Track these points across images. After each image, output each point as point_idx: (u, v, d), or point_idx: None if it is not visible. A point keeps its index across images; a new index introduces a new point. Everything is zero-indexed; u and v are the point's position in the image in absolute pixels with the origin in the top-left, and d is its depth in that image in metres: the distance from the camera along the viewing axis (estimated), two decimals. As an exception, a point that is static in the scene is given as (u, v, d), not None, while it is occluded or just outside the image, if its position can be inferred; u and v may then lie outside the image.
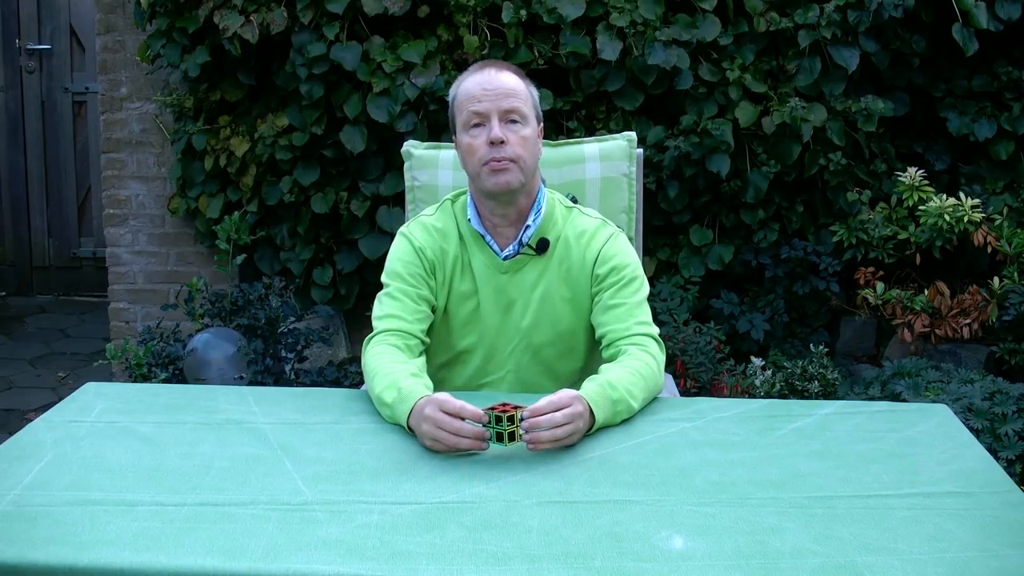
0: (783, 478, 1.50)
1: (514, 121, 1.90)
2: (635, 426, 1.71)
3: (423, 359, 1.93)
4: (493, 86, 1.90)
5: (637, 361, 1.82)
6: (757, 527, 1.34)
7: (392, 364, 1.80)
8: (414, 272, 1.98)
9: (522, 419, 1.56)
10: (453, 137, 1.99)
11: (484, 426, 1.56)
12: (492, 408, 1.55)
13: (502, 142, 1.88)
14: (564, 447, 1.59)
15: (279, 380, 3.43)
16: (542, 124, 1.98)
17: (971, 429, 2.68)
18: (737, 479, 1.50)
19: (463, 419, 1.55)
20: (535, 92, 1.97)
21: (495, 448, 1.57)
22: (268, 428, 1.70)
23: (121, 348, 3.42)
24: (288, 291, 3.82)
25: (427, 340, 1.97)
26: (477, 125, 1.90)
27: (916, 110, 3.87)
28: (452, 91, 1.97)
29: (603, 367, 1.83)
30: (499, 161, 1.88)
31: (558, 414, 1.56)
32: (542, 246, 1.98)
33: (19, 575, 1.25)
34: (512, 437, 1.54)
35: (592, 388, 1.68)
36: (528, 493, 1.44)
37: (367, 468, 1.54)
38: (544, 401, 1.57)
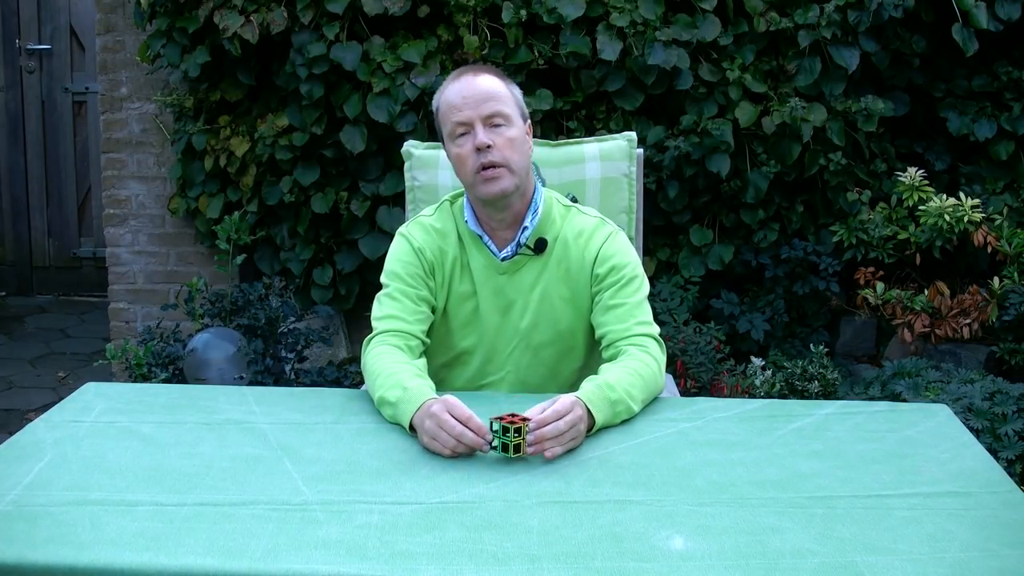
0: (783, 478, 1.50)
1: (498, 125, 1.89)
2: (635, 426, 1.71)
3: (424, 360, 1.93)
4: (472, 92, 1.89)
5: (636, 362, 1.82)
6: (757, 527, 1.34)
7: (396, 364, 1.80)
8: (413, 272, 1.97)
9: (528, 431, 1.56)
10: (443, 146, 1.99)
11: (492, 433, 1.56)
12: (500, 418, 1.55)
13: (489, 147, 1.87)
14: (568, 450, 1.59)
15: (279, 380, 3.43)
16: (529, 122, 1.98)
17: (971, 429, 2.68)
18: (737, 479, 1.50)
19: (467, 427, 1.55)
20: (517, 91, 1.97)
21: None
22: (268, 428, 1.70)
23: (121, 348, 3.42)
24: (288, 291, 3.82)
25: (427, 340, 1.97)
26: (463, 134, 1.90)
27: (916, 110, 3.87)
28: (435, 103, 1.97)
29: (603, 367, 1.83)
30: (489, 168, 1.88)
31: (561, 422, 1.56)
32: (540, 246, 1.98)
33: (19, 575, 1.25)
34: (517, 449, 1.54)
35: (590, 389, 1.68)
36: (528, 493, 1.44)
37: (367, 468, 1.54)
38: (549, 412, 1.57)
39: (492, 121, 1.89)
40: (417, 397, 1.65)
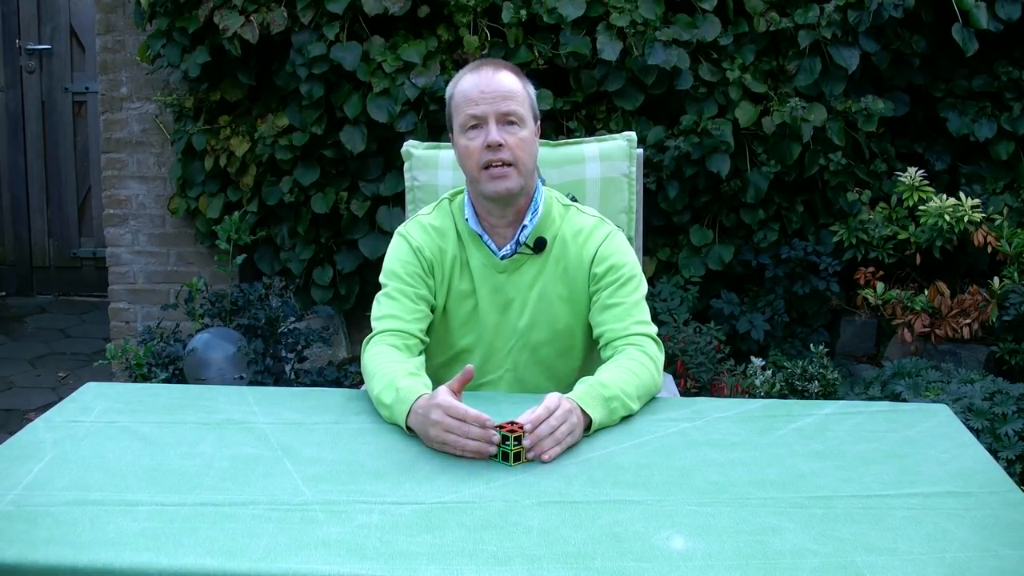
0: (783, 478, 1.50)
1: (512, 123, 1.88)
2: (635, 426, 1.71)
3: (422, 358, 1.93)
4: (490, 88, 1.88)
5: (631, 360, 1.82)
6: (757, 527, 1.34)
7: (390, 364, 1.80)
8: (412, 272, 1.97)
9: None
10: (450, 136, 1.99)
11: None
12: (500, 427, 1.54)
13: (500, 145, 1.87)
14: (567, 447, 1.59)
15: (279, 380, 3.43)
16: (539, 122, 1.98)
17: (971, 429, 2.67)
18: (737, 479, 1.50)
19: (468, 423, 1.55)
20: (532, 91, 1.96)
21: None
22: (268, 428, 1.70)
23: (121, 348, 3.42)
24: (288, 291, 3.82)
25: (426, 339, 1.97)
26: (474, 127, 1.89)
27: (916, 110, 3.87)
28: (449, 90, 1.96)
29: (599, 368, 1.83)
30: (498, 166, 1.88)
31: (552, 418, 1.56)
32: (539, 245, 1.98)
33: (19, 575, 1.25)
34: (517, 458, 1.53)
35: (582, 389, 1.68)
36: (528, 493, 1.44)
37: (367, 468, 1.54)
38: (540, 410, 1.56)
39: (507, 119, 1.88)
40: (407, 397, 1.65)
